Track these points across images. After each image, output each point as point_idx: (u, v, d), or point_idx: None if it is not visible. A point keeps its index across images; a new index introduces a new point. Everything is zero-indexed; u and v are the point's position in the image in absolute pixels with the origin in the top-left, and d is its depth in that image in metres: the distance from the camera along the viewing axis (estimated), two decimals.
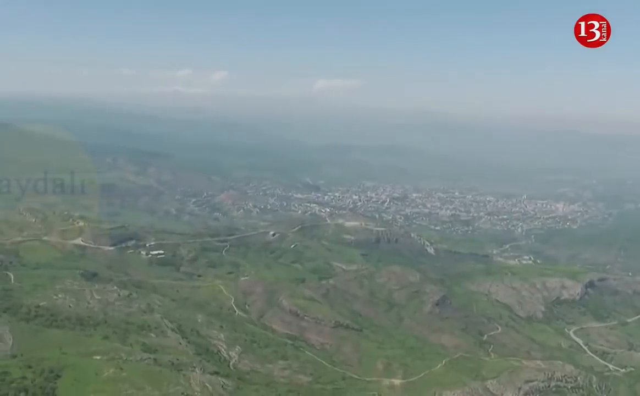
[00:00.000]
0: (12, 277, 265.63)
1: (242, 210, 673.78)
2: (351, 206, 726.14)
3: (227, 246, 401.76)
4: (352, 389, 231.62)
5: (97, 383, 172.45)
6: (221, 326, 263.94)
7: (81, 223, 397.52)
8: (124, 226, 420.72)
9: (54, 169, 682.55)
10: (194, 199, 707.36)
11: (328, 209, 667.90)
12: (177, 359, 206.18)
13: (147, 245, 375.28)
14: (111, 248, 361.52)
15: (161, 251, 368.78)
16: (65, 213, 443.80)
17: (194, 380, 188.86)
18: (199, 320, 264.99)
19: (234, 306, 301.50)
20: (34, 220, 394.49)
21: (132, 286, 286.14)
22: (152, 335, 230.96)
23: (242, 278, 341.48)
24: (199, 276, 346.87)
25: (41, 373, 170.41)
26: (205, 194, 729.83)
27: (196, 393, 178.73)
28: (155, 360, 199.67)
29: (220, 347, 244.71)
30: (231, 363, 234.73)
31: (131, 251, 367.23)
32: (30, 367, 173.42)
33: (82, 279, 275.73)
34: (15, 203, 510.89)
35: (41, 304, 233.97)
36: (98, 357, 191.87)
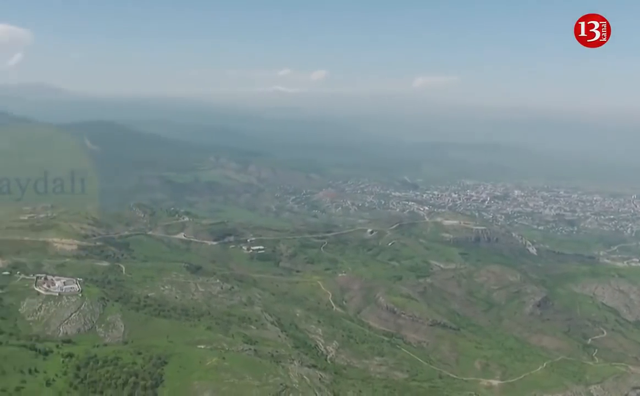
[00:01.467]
0: (124, 269, 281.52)
1: (340, 208, 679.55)
2: (450, 204, 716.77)
3: (325, 242, 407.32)
4: (449, 388, 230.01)
5: (201, 371, 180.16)
6: (319, 321, 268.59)
7: (185, 219, 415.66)
8: (225, 222, 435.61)
9: (163, 167, 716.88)
10: (293, 197, 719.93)
11: (426, 208, 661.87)
12: (276, 351, 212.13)
13: (248, 241, 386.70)
14: (214, 243, 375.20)
15: (261, 247, 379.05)
16: (171, 208, 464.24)
17: (292, 371, 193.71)
18: (298, 314, 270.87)
19: (331, 301, 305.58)
20: (142, 215, 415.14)
21: (234, 280, 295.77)
22: (253, 327, 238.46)
23: (340, 275, 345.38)
24: (298, 271, 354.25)
25: (150, 360, 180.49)
26: (304, 191, 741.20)
27: (294, 385, 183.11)
28: (255, 351, 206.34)
29: (317, 341, 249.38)
30: (328, 357, 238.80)
31: (233, 246, 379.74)
32: (139, 353, 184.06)
33: (187, 272, 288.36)
34: (126, 199, 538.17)
35: (150, 294, 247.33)
36: (202, 346, 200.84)
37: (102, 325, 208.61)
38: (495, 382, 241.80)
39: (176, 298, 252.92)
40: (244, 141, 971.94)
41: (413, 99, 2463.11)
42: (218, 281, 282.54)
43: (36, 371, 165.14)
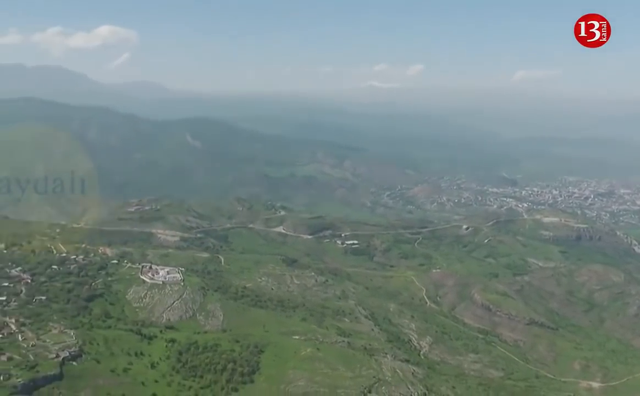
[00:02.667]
0: (223, 260, 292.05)
1: (435, 203, 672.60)
2: (550, 201, 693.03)
3: (419, 238, 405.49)
4: (546, 388, 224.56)
5: (296, 361, 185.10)
6: (412, 316, 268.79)
7: (282, 213, 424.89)
8: (321, 216, 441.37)
9: (260, 162, 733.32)
10: (388, 192, 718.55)
11: (525, 204, 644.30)
12: (370, 344, 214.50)
13: (343, 235, 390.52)
14: (309, 237, 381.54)
15: (356, 241, 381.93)
16: (269, 202, 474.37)
17: (385, 365, 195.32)
18: (391, 309, 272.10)
19: (425, 297, 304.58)
20: (241, 209, 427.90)
21: (328, 273, 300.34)
22: (347, 319, 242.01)
23: (434, 270, 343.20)
24: (392, 266, 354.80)
25: (247, 347, 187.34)
26: (399, 187, 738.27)
27: (387, 378, 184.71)
28: (349, 343, 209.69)
29: (411, 336, 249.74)
30: (421, 352, 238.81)
31: (327, 240, 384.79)
32: (237, 341, 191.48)
33: (283, 265, 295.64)
34: (226, 193, 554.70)
35: (247, 285, 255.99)
36: (297, 337, 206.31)
37: (203, 313, 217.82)
38: (595, 384, 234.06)
39: (272, 289, 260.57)
40: (339, 137, 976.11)
41: (513, 93, 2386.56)
42: (313, 274, 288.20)
43: (142, 354, 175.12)
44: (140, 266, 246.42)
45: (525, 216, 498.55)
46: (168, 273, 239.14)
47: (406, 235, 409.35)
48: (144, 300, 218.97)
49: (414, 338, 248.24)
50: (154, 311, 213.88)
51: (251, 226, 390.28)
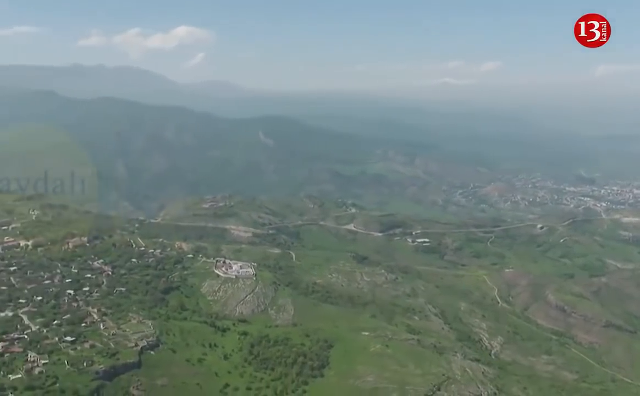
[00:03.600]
0: (294, 256, 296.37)
1: (509, 202, 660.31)
2: (631, 200, 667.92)
3: (492, 237, 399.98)
4: (623, 392, 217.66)
5: (365, 356, 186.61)
6: (483, 316, 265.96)
7: (353, 210, 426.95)
8: (392, 214, 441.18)
9: (331, 160, 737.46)
10: (460, 190, 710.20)
11: (604, 204, 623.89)
12: (439, 342, 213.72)
13: (413, 233, 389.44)
14: (379, 234, 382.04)
15: (426, 239, 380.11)
16: (339, 200, 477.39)
17: (454, 363, 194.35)
18: (462, 308, 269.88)
19: (497, 297, 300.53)
20: (312, 206, 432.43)
21: (398, 271, 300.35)
22: (416, 317, 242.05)
23: (507, 270, 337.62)
24: (463, 265, 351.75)
25: (317, 342, 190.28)
26: (471, 185, 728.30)
27: (456, 376, 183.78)
28: (418, 341, 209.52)
29: (482, 336, 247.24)
30: (492, 352, 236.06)
31: (398, 238, 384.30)
32: (307, 335, 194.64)
33: (353, 262, 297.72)
34: (297, 190, 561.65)
35: (318, 281, 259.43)
36: (366, 333, 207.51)
37: (274, 308, 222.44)
38: None
39: (342, 286, 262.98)
40: (411, 134, 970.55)
41: (593, 89, 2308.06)
42: (383, 271, 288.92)
43: (215, 345, 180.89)
44: (214, 261, 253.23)
45: (604, 216, 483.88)
46: (241, 267, 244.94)
47: (478, 234, 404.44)
48: (217, 294, 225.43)
49: (484, 338, 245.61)
50: (227, 304, 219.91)
51: (322, 223, 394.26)
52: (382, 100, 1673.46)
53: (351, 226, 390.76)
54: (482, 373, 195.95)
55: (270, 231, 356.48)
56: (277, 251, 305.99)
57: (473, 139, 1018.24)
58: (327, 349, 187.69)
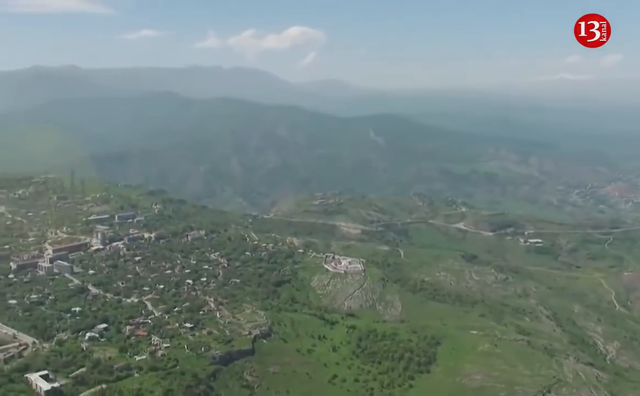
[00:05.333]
0: (402, 253, 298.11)
1: (630, 203, 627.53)
2: None
3: (610, 239, 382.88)
4: None
5: (473, 355, 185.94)
6: (599, 319, 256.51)
7: (463, 209, 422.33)
8: (503, 213, 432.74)
9: (441, 158, 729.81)
10: (576, 190, 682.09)
11: None
12: (551, 344, 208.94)
13: (526, 233, 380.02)
14: (490, 234, 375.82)
15: (539, 240, 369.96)
16: (449, 199, 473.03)
17: (566, 366, 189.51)
18: (575, 311, 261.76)
19: (614, 300, 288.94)
20: (421, 204, 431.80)
21: (509, 271, 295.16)
22: (527, 318, 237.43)
23: (625, 273, 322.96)
24: (578, 267, 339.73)
25: (424, 339, 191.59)
26: (589, 185, 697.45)
27: (568, 379, 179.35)
28: (528, 342, 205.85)
29: (596, 340, 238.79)
30: (607, 358, 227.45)
31: (509, 237, 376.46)
32: (415, 332, 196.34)
33: (462, 261, 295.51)
34: (406, 188, 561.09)
35: (426, 279, 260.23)
36: (474, 332, 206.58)
37: (382, 303, 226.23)
38: None
39: (451, 284, 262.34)
40: (525, 132, 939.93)
41: None
42: (493, 271, 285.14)
43: (324, 337, 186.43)
44: (324, 256, 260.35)
45: None
46: (350, 263, 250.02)
47: (595, 235, 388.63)
48: (327, 288, 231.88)
49: (599, 342, 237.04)
50: (336, 298, 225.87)
51: (431, 221, 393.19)
52: (495, 97, 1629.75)
53: (461, 225, 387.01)
54: (596, 377, 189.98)
55: (379, 229, 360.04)
56: (385, 248, 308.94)
57: (592, 137, 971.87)
58: (434, 346, 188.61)
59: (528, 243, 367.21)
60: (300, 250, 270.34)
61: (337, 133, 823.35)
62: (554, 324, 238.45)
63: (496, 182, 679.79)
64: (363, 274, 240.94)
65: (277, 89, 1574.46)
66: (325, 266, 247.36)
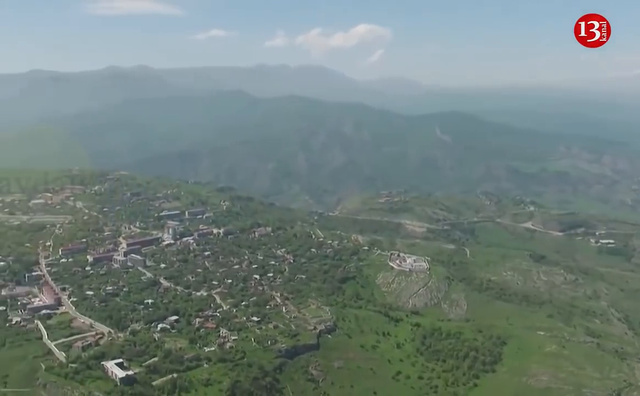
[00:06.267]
0: (468, 252, 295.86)
1: None
2: None
3: None
4: None
5: (539, 356, 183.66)
6: None
7: (531, 208, 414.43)
8: (574, 213, 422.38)
9: (510, 157, 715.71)
10: None
11: None
12: (622, 348, 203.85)
13: (597, 233, 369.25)
14: (559, 234, 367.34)
15: (611, 241, 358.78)
16: (517, 197, 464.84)
17: (638, 370, 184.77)
18: None
19: None
20: (488, 203, 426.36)
21: (579, 272, 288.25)
22: (597, 320, 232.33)
23: None
24: None
25: (489, 338, 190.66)
26: None
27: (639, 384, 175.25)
28: (598, 344, 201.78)
29: None
30: None
31: (580, 238, 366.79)
32: (480, 331, 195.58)
33: (530, 260, 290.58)
34: (473, 187, 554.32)
35: (492, 278, 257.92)
36: (541, 333, 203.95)
37: (447, 302, 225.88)
38: None
39: (517, 284, 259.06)
40: (598, 130, 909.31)
41: None
42: (562, 271, 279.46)
43: (388, 334, 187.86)
44: (388, 254, 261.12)
45: None
46: (415, 261, 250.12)
47: None
48: (391, 285, 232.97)
49: None
50: (400, 296, 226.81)
51: (498, 220, 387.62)
52: (567, 93, 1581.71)
53: (529, 224, 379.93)
54: None
55: (445, 227, 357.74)
56: (451, 247, 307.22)
57: None
58: (500, 346, 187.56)
59: (599, 244, 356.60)
60: (365, 248, 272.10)
61: (403, 131, 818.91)
62: (625, 327, 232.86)
63: (567, 181, 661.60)
64: (428, 272, 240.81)
65: (343, 87, 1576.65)
66: (390, 264, 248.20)
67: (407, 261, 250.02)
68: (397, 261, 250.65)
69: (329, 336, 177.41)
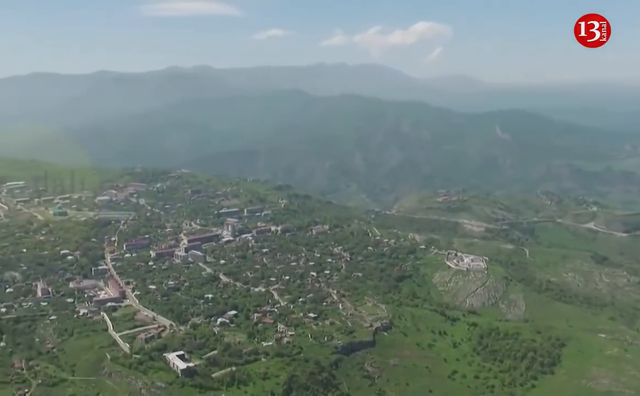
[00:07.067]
0: (527, 252, 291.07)
1: None
2: None
3: None
4: None
5: (600, 359, 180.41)
6: None
7: (594, 208, 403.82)
8: (639, 213, 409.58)
9: (573, 155, 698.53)
10: None
11: None
12: None
13: None
14: (624, 235, 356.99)
15: None
16: (579, 197, 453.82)
17: None
18: None
19: None
20: (549, 203, 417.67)
21: None
22: None
23: None
24: None
25: (548, 339, 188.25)
26: None
27: None
28: None
29: None
30: None
31: None
32: (539, 332, 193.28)
33: (591, 262, 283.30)
34: (533, 186, 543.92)
35: (552, 279, 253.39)
36: (602, 335, 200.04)
37: (505, 302, 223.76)
38: None
39: (578, 285, 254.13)
40: None
41: None
42: (625, 273, 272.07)
43: (445, 333, 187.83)
44: (446, 253, 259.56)
45: None
46: (472, 261, 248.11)
47: None
48: (448, 285, 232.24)
49: None
50: (457, 295, 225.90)
51: (559, 220, 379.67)
52: (635, 91, 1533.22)
53: (591, 225, 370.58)
54: None
55: (504, 227, 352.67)
56: (510, 246, 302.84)
57: None
58: (559, 347, 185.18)
59: None
60: (422, 246, 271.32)
61: (463, 129, 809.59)
62: None
63: (634, 181, 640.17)
64: (486, 272, 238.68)
65: (401, 86, 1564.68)
66: (447, 263, 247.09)
67: (465, 261, 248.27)
68: (455, 261, 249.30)
69: (385, 333, 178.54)
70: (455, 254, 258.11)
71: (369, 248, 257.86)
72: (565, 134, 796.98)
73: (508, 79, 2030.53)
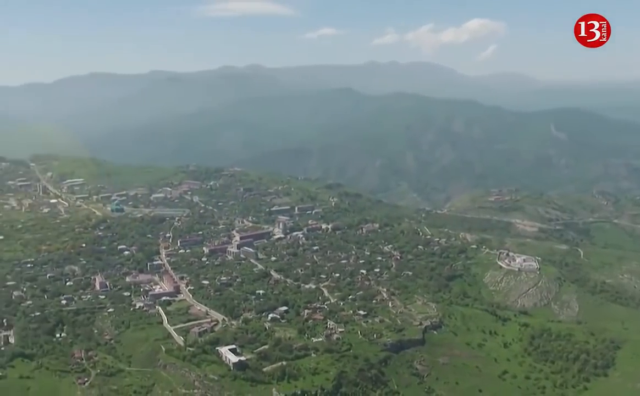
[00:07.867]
0: (582, 253, 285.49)
1: None
2: None
3: None
4: None
5: None
6: None
7: None
8: None
9: (631, 155, 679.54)
10: None
11: None
12: None
13: None
14: None
15: None
16: (637, 198, 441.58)
17: None
18: None
19: None
20: (605, 203, 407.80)
21: None
22: None
23: None
24: None
25: (602, 341, 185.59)
26: None
27: None
28: None
29: None
30: None
31: None
32: (592, 334, 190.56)
33: None
34: (588, 186, 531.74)
35: (607, 281, 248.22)
36: None
37: (557, 303, 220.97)
38: None
39: (635, 287, 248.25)
40: None
41: None
42: None
43: (495, 333, 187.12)
44: (497, 253, 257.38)
45: None
46: (524, 261, 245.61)
47: None
48: (499, 284, 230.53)
49: None
50: (508, 295, 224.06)
51: (616, 221, 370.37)
52: None
53: None
54: None
55: (558, 227, 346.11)
56: (564, 247, 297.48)
57: None
58: (613, 350, 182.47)
59: None
60: (474, 246, 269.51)
61: (516, 128, 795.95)
62: None
63: None
64: (538, 272, 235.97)
65: (454, 84, 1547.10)
66: (499, 263, 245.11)
67: (517, 261, 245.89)
68: (506, 260, 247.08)
69: (435, 332, 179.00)
70: (507, 254, 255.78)
71: (419, 246, 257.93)
72: (622, 133, 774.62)
73: (568, 77, 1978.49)
